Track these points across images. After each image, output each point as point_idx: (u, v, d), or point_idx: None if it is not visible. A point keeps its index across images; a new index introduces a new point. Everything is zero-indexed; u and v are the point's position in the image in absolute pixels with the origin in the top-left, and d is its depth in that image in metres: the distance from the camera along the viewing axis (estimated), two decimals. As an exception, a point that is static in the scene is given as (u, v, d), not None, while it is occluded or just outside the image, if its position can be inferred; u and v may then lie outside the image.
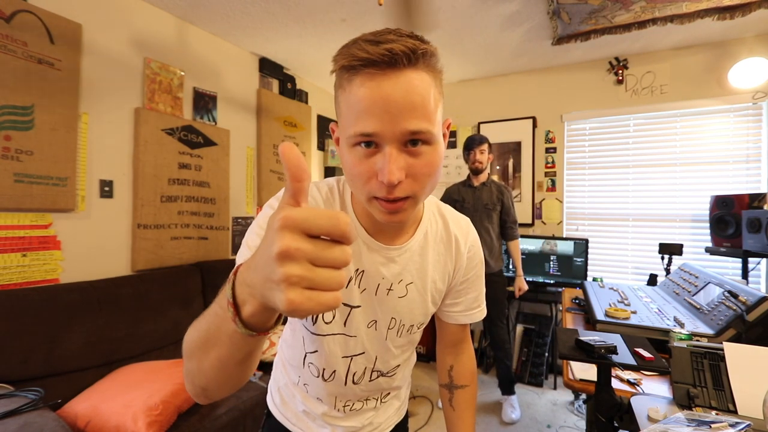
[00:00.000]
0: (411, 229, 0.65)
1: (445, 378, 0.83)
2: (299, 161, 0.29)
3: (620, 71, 2.79)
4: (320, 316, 0.62)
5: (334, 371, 0.66)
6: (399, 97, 0.45)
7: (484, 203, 2.38)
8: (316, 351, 0.65)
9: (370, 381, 0.69)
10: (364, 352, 0.66)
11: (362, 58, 0.45)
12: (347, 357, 0.66)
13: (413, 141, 0.48)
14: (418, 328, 0.70)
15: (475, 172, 2.42)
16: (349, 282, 0.61)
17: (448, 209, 0.72)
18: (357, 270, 0.62)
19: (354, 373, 0.67)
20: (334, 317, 0.63)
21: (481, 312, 0.77)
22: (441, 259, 0.68)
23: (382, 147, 0.47)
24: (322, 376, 0.67)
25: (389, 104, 0.45)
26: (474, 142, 2.38)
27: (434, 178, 0.51)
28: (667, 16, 2.18)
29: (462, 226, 0.72)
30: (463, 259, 0.71)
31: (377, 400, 0.74)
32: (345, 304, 0.62)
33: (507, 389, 2.40)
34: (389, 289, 0.64)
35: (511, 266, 2.58)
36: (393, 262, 0.63)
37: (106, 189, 1.89)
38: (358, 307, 0.63)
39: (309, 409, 0.72)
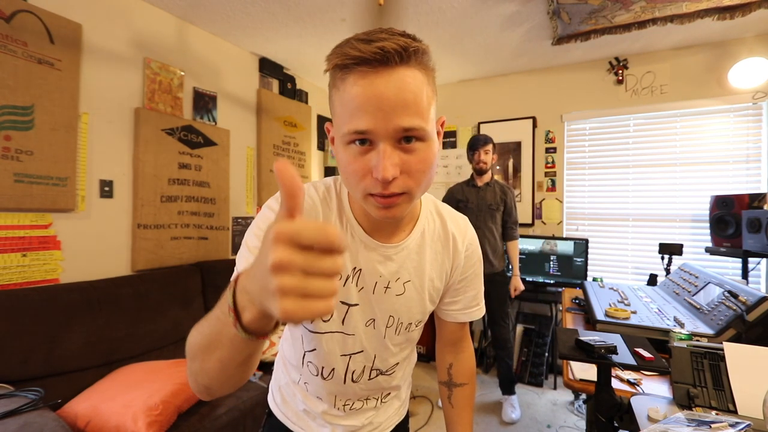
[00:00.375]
0: (408, 227, 0.65)
1: (445, 376, 0.84)
2: (294, 179, 0.30)
3: (620, 71, 2.79)
4: None
5: (333, 369, 0.66)
6: (392, 94, 0.46)
7: (488, 203, 2.38)
8: (315, 349, 0.66)
9: (369, 379, 0.69)
10: (362, 351, 0.66)
11: (354, 57, 0.45)
12: (346, 355, 0.66)
13: (407, 138, 0.48)
14: (417, 326, 0.71)
15: (479, 172, 2.41)
16: (347, 280, 0.62)
17: (445, 208, 0.72)
18: (354, 268, 0.62)
19: (353, 372, 0.67)
20: (332, 315, 0.63)
21: (479, 310, 0.77)
22: (438, 257, 0.69)
23: (376, 144, 0.48)
24: (321, 374, 0.67)
25: (382, 102, 0.46)
26: (479, 143, 2.37)
27: (429, 174, 0.52)
28: (667, 16, 2.17)
29: (460, 224, 0.72)
30: (461, 258, 0.71)
31: (377, 399, 0.74)
32: (343, 302, 0.63)
33: (507, 389, 2.40)
34: (386, 287, 0.64)
35: (509, 266, 2.58)
36: (390, 260, 0.63)
37: (106, 189, 1.89)
38: (356, 305, 0.63)
39: (309, 408, 0.72)
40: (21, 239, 1.58)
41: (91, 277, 1.77)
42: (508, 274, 2.52)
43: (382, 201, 0.50)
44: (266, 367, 1.93)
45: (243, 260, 0.55)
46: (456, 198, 2.47)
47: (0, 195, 1.51)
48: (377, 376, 0.70)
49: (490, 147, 2.38)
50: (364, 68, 0.46)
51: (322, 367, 0.67)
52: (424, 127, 0.48)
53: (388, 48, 0.45)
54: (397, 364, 0.72)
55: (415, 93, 0.47)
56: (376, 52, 0.45)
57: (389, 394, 0.76)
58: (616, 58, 2.81)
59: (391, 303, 0.65)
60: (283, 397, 0.76)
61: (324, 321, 0.63)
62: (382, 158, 0.47)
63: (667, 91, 2.69)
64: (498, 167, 3.23)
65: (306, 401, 0.72)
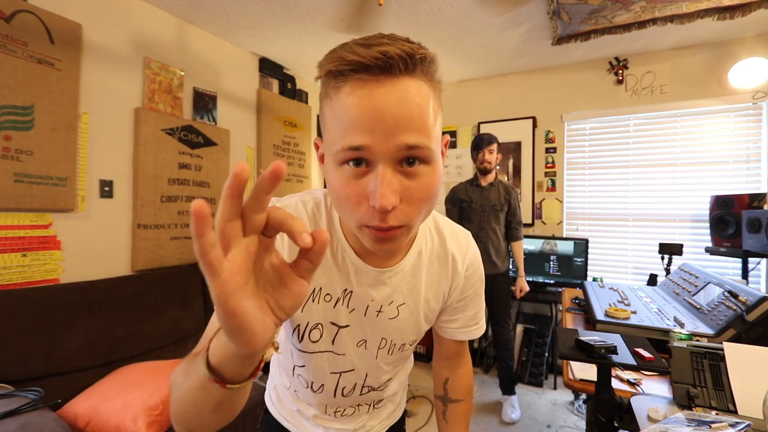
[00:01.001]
0: (404, 249, 0.61)
1: (440, 390, 0.81)
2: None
3: (620, 71, 2.79)
4: (306, 334, 0.61)
5: (323, 385, 0.65)
6: (394, 106, 0.40)
7: (492, 204, 2.36)
8: (304, 366, 0.65)
9: (360, 395, 0.68)
10: (353, 369, 0.65)
11: (352, 62, 0.40)
12: (336, 373, 0.64)
13: (409, 160, 0.42)
14: (411, 345, 0.68)
15: (484, 172, 2.39)
16: (337, 302, 0.60)
17: (446, 223, 0.67)
18: (345, 290, 0.59)
19: (343, 388, 0.66)
20: (321, 336, 0.61)
21: (478, 330, 0.73)
22: (435, 278, 0.64)
23: (374, 166, 0.42)
24: (311, 387, 0.67)
25: (383, 114, 0.40)
26: (483, 142, 2.34)
27: (431, 203, 0.47)
28: (667, 16, 2.17)
29: (461, 242, 0.67)
30: (460, 279, 0.66)
31: (370, 406, 0.73)
32: (332, 324, 0.60)
33: (508, 389, 2.40)
34: (379, 311, 0.61)
35: (512, 266, 2.57)
36: (383, 284, 0.60)
37: (106, 189, 1.89)
38: (347, 326, 0.61)
39: (301, 409, 0.72)
40: (21, 239, 1.58)
41: (91, 277, 1.77)
42: (511, 275, 2.51)
43: (379, 234, 0.44)
44: (266, 368, 1.93)
45: None
46: (459, 198, 2.45)
47: (0, 195, 1.51)
48: (369, 392, 0.69)
49: (494, 146, 2.35)
50: (364, 76, 0.40)
51: (312, 382, 0.66)
52: (430, 147, 0.42)
53: (392, 53, 0.39)
54: (390, 379, 0.71)
55: (421, 106, 0.41)
56: (377, 58, 0.39)
57: (381, 400, 0.75)
58: (616, 58, 2.81)
59: (384, 326, 0.62)
60: (278, 395, 0.76)
61: (313, 341, 0.61)
62: (381, 183, 0.41)
63: (667, 91, 2.69)
64: (498, 167, 3.23)
65: (297, 404, 0.72)
